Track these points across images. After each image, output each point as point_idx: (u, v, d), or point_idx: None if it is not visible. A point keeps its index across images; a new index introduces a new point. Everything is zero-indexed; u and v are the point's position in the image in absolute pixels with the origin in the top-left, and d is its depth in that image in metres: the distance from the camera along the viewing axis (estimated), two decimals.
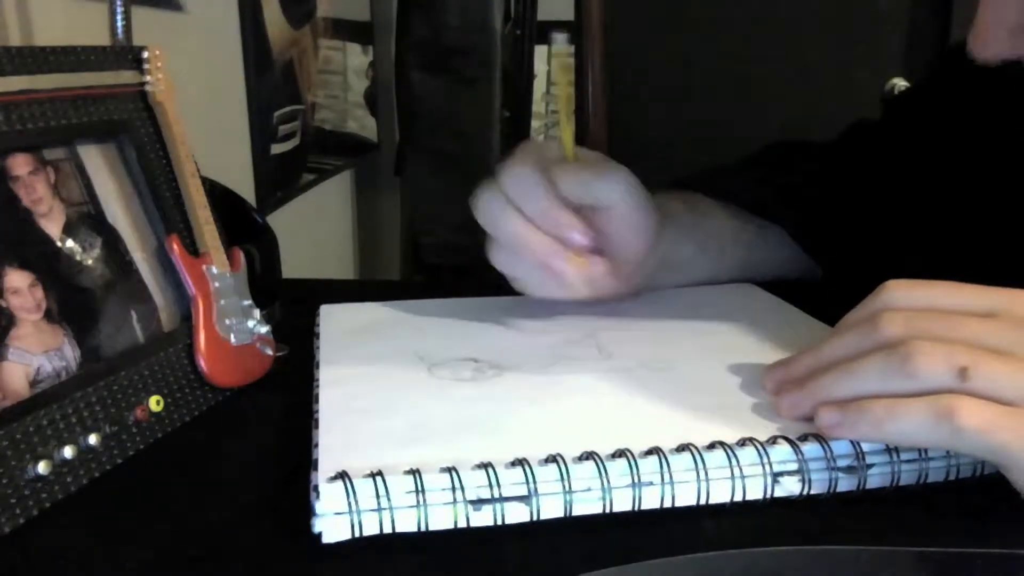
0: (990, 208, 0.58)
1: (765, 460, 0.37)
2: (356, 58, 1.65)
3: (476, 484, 0.35)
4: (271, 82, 1.24)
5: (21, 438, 0.39)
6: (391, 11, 1.62)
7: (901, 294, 0.40)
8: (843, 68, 1.64)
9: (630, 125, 1.66)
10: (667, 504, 0.36)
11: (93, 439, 0.41)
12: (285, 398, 0.50)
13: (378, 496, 0.34)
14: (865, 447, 0.37)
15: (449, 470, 0.35)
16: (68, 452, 0.40)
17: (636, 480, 0.36)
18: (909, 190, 0.64)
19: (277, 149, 1.27)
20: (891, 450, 0.37)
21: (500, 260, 0.53)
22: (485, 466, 0.35)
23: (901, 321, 0.38)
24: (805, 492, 0.37)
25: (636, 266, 0.56)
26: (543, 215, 0.51)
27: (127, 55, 0.51)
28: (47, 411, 0.40)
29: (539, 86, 1.95)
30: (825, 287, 0.67)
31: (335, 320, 0.57)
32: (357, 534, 0.34)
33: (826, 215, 0.66)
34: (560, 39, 0.51)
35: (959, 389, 0.35)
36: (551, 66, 1.99)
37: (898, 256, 0.62)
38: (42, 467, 0.38)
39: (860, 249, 0.65)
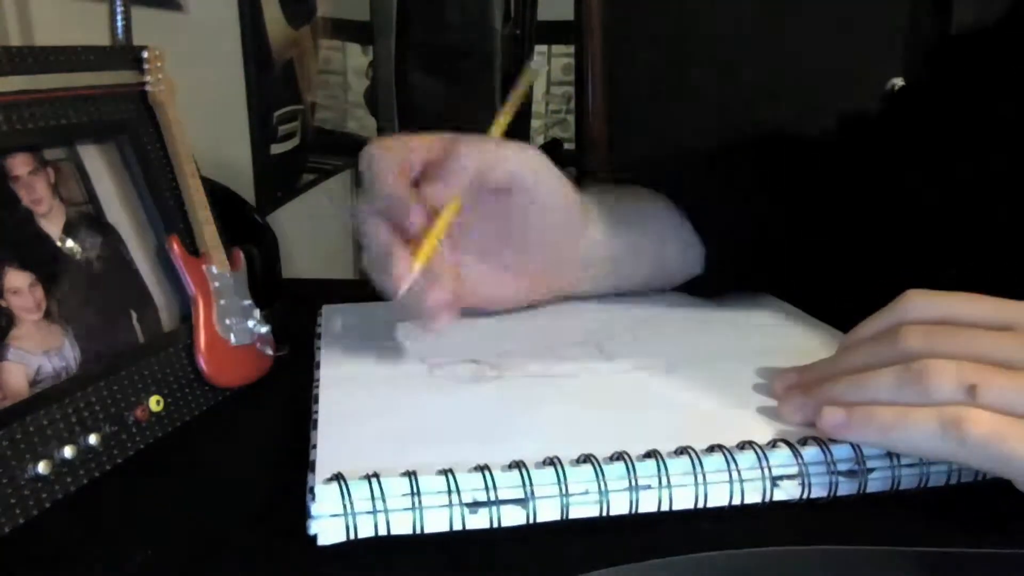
0: (994, 208, 0.57)
1: (764, 464, 0.37)
2: (356, 58, 1.65)
3: (472, 487, 0.35)
4: (271, 82, 1.24)
5: (21, 438, 0.39)
6: (391, 11, 1.62)
7: (922, 305, 0.39)
8: (843, 68, 1.64)
9: (630, 125, 1.65)
10: (664, 508, 0.36)
11: (93, 439, 0.41)
12: (285, 398, 0.50)
13: (373, 498, 0.34)
14: (866, 451, 0.37)
15: (445, 472, 0.35)
16: (68, 452, 0.40)
17: (633, 483, 0.36)
18: (907, 189, 0.63)
19: (277, 149, 1.27)
20: (892, 454, 0.37)
21: (368, 272, 0.46)
22: (481, 469, 0.35)
23: (920, 336, 0.38)
24: (805, 496, 0.37)
25: (550, 264, 0.51)
26: (390, 199, 0.43)
27: (127, 55, 0.51)
28: (47, 411, 0.40)
29: (539, 86, 1.96)
30: (827, 289, 0.67)
31: (336, 320, 0.57)
32: (352, 536, 0.34)
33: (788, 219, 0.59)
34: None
35: (968, 405, 0.35)
36: (550, 66, 1.99)
37: (886, 263, 0.60)
38: (42, 467, 0.38)
39: (832, 257, 0.60)
